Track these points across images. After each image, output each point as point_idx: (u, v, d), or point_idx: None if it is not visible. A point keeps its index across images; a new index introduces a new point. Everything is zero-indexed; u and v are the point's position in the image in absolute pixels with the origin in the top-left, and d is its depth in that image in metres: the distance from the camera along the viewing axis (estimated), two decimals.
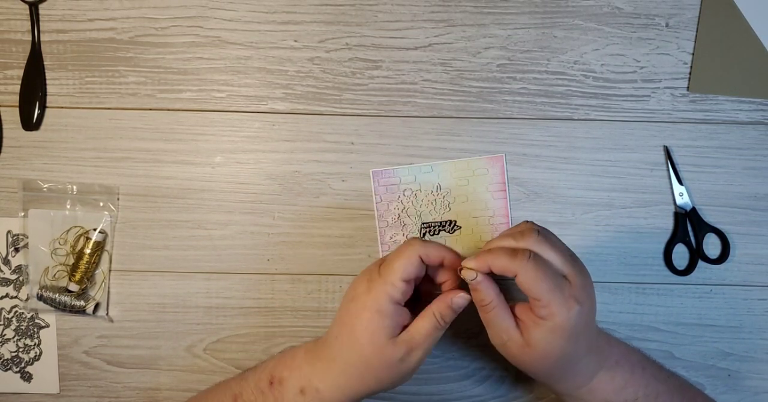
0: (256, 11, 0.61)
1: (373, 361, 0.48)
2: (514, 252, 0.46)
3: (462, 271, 0.47)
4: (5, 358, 0.64)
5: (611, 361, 0.51)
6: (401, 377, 0.50)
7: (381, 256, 0.60)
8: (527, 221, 0.50)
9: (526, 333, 0.47)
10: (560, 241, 0.49)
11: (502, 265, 0.46)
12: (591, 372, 0.51)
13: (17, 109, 0.61)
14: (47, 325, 0.63)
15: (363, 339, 0.48)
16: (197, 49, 0.62)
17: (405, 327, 0.49)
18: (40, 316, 0.63)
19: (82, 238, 0.62)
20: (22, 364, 0.64)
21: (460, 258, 0.49)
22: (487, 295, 0.47)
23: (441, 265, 0.50)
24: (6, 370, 0.64)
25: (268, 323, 0.63)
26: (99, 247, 0.62)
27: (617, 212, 0.62)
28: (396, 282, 0.47)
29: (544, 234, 0.48)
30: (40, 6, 0.61)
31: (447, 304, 0.48)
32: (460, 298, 0.48)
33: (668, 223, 0.62)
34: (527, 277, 0.45)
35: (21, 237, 0.63)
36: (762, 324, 0.63)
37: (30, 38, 0.61)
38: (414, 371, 0.50)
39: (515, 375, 0.64)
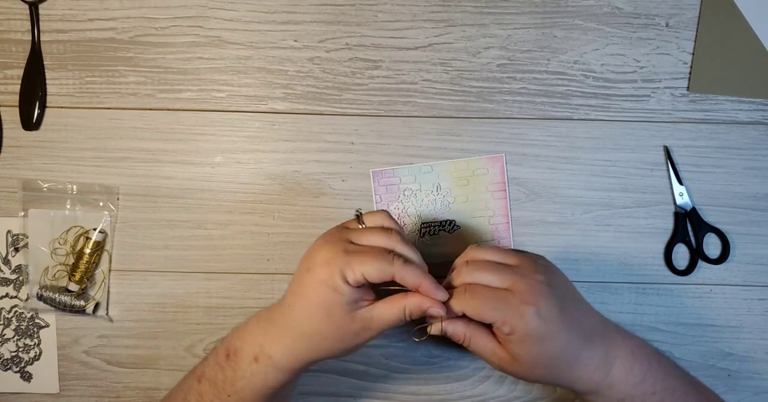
0: (256, 11, 0.61)
1: (328, 333, 0.48)
2: (454, 294, 0.48)
3: (429, 310, 0.47)
4: (5, 357, 0.64)
5: (626, 352, 0.50)
6: (353, 348, 0.49)
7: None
8: (461, 257, 0.51)
9: (508, 350, 0.48)
10: (494, 251, 0.50)
11: (453, 309, 0.47)
12: (603, 363, 0.49)
13: (17, 109, 0.61)
14: (47, 325, 0.63)
15: (319, 312, 0.47)
16: (197, 49, 0.62)
17: (365, 297, 0.48)
18: (40, 315, 0.63)
19: (82, 238, 0.62)
20: (22, 364, 0.64)
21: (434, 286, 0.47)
22: (456, 334, 0.49)
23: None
24: (6, 370, 0.64)
25: None
26: (99, 247, 0.62)
27: (617, 212, 0.62)
28: (356, 270, 0.46)
29: (473, 260, 0.49)
30: (40, 6, 0.61)
31: (422, 309, 0.47)
32: (436, 310, 0.47)
33: (668, 223, 0.62)
34: (472, 310, 0.47)
35: (21, 237, 0.63)
36: (762, 324, 0.63)
37: (30, 38, 0.61)
38: (365, 344, 0.50)
39: None
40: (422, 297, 0.47)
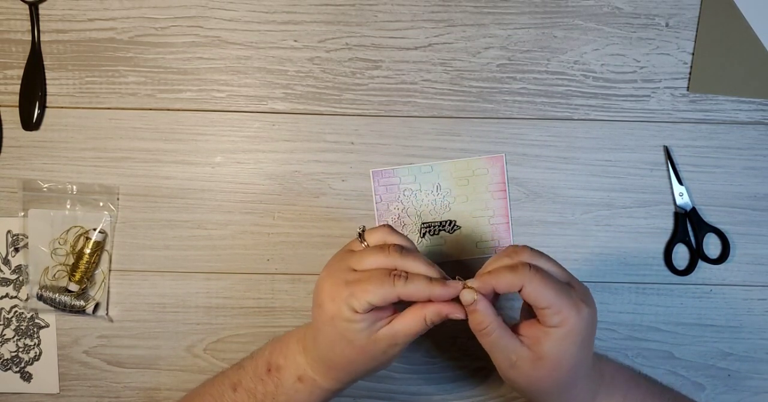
0: (256, 11, 0.61)
1: (357, 358, 0.48)
2: (514, 267, 0.45)
3: (462, 293, 0.45)
4: (5, 358, 0.64)
5: (607, 379, 0.51)
6: (386, 365, 0.50)
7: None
8: (514, 245, 0.50)
9: (536, 346, 0.46)
10: (547, 256, 0.49)
11: (506, 281, 0.45)
12: (594, 388, 0.50)
13: (17, 109, 0.61)
14: (47, 325, 0.63)
15: (341, 343, 0.47)
16: (197, 49, 0.62)
17: (383, 314, 0.47)
18: (40, 316, 0.63)
19: (82, 238, 0.62)
20: (22, 364, 0.64)
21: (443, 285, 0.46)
22: (487, 315, 0.46)
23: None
24: (6, 370, 0.64)
25: (268, 323, 0.63)
26: (99, 247, 0.62)
27: (617, 212, 0.62)
28: (360, 299, 0.45)
29: (536, 249, 0.48)
30: (40, 6, 0.61)
31: (442, 315, 0.46)
32: (458, 314, 0.46)
33: (668, 223, 0.62)
34: (533, 287, 0.44)
35: (21, 237, 0.63)
36: (762, 324, 0.63)
37: (30, 38, 0.61)
38: (398, 356, 0.50)
39: None
40: (439, 304, 0.46)
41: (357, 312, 0.45)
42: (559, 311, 0.45)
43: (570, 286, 0.47)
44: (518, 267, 0.45)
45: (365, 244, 0.49)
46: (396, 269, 0.46)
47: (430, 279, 0.46)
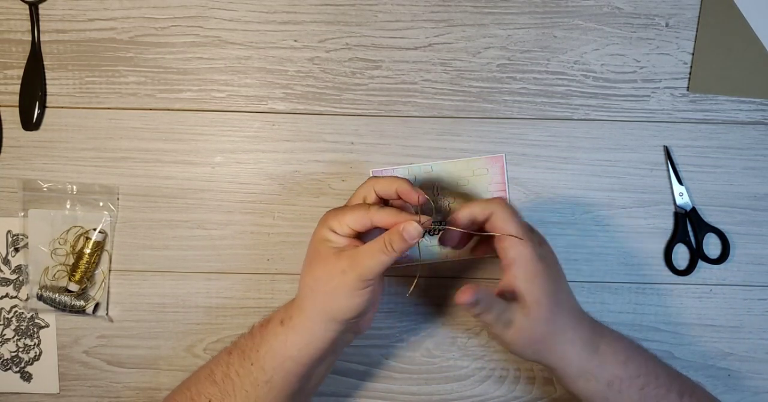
0: (256, 11, 0.61)
1: (320, 275, 0.50)
2: (486, 200, 0.52)
3: (457, 296, 0.48)
4: (5, 358, 0.64)
5: (608, 338, 0.53)
6: (347, 293, 0.49)
7: None
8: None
9: (516, 294, 0.50)
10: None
11: (479, 207, 0.51)
12: (590, 341, 0.52)
13: (17, 109, 0.61)
14: (47, 325, 0.63)
15: (314, 261, 0.51)
16: (197, 49, 0.62)
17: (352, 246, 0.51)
18: (40, 316, 0.63)
19: (82, 238, 0.62)
20: (22, 364, 0.64)
21: (412, 188, 0.50)
22: (491, 310, 0.50)
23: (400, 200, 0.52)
24: (6, 370, 0.64)
25: None
26: (99, 247, 0.62)
27: (617, 212, 0.62)
28: (341, 221, 0.50)
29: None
30: (40, 6, 0.61)
31: (398, 230, 0.48)
32: (411, 228, 0.47)
33: (668, 223, 0.62)
34: (504, 214, 0.51)
35: (21, 237, 0.63)
36: (762, 324, 0.63)
37: (30, 38, 0.61)
38: (362, 296, 0.49)
39: (515, 375, 0.64)
40: (397, 226, 0.48)
41: (335, 232, 0.50)
42: (515, 244, 0.50)
43: (526, 226, 0.52)
44: (491, 200, 0.52)
45: None
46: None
47: (401, 212, 0.50)
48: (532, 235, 0.52)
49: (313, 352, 0.51)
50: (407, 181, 0.51)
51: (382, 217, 0.49)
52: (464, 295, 0.48)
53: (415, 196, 0.50)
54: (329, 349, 0.52)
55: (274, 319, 0.53)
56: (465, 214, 0.51)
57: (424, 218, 0.48)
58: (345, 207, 0.52)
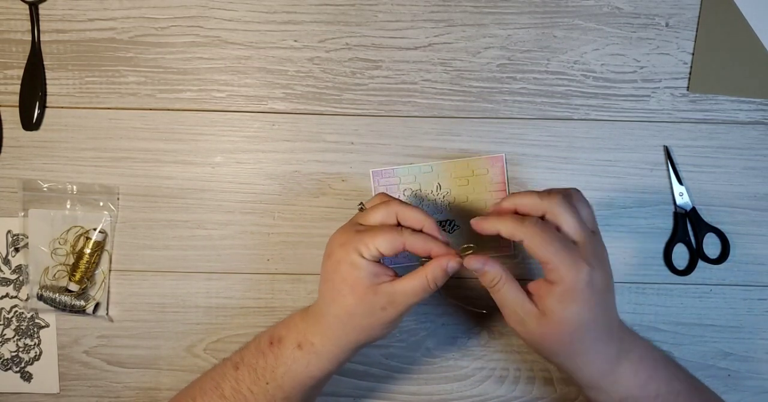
0: (256, 11, 0.61)
1: (355, 309, 0.49)
2: (522, 219, 0.47)
3: (466, 260, 0.48)
4: (5, 357, 0.64)
5: (635, 355, 0.51)
6: (383, 326, 0.50)
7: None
8: (551, 188, 0.50)
9: (541, 302, 0.47)
10: (587, 207, 0.50)
11: (508, 231, 0.47)
12: (613, 359, 0.50)
13: (17, 109, 0.61)
14: (47, 325, 0.63)
15: (343, 290, 0.49)
16: (197, 49, 0.62)
17: (386, 272, 0.50)
18: (40, 316, 0.63)
19: (82, 238, 0.62)
20: (22, 364, 0.64)
21: (439, 230, 0.50)
22: (495, 274, 0.48)
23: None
24: (6, 370, 0.64)
25: (268, 323, 0.63)
26: (99, 247, 0.62)
27: (617, 212, 0.62)
28: (369, 245, 0.48)
29: (569, 198, 0.48)
30: (40, 6, 0.61)
31: (442, 267, 0.48)
32: (455, 263, 0.48)
33: (668, 223, 0.62)
34: (533, 242, 0.46)
35: (21, 237, 0.63)
36: (762, 324, 0.63)
37: (30, 38, 0.61)
38: (397, 323, 0.51)
39: (515, 375, 0.64)
40: (438, 260, 0.48)
41: (364, 257, 0.48)
42: (556, 268, 0.46)
43: (575, 244, 0.47)
44: (525, 220, 0.47)
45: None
46: (400, 224, 0.50)
47: (435, 239, 0.49)
48: (573, 255, 0.46)
49: (335, 369, 0.52)
50: (434, 220, 0.50)
51: (418, 243, 0.48)
52: (473, 260, 0.47)
53: (441, 239, 0.49)
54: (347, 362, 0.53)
55: (288, 340, 0.52)
56: (491, 227, 0.49)
57: (459, 251, 0.49)
58: (371, 229, 0.49)
